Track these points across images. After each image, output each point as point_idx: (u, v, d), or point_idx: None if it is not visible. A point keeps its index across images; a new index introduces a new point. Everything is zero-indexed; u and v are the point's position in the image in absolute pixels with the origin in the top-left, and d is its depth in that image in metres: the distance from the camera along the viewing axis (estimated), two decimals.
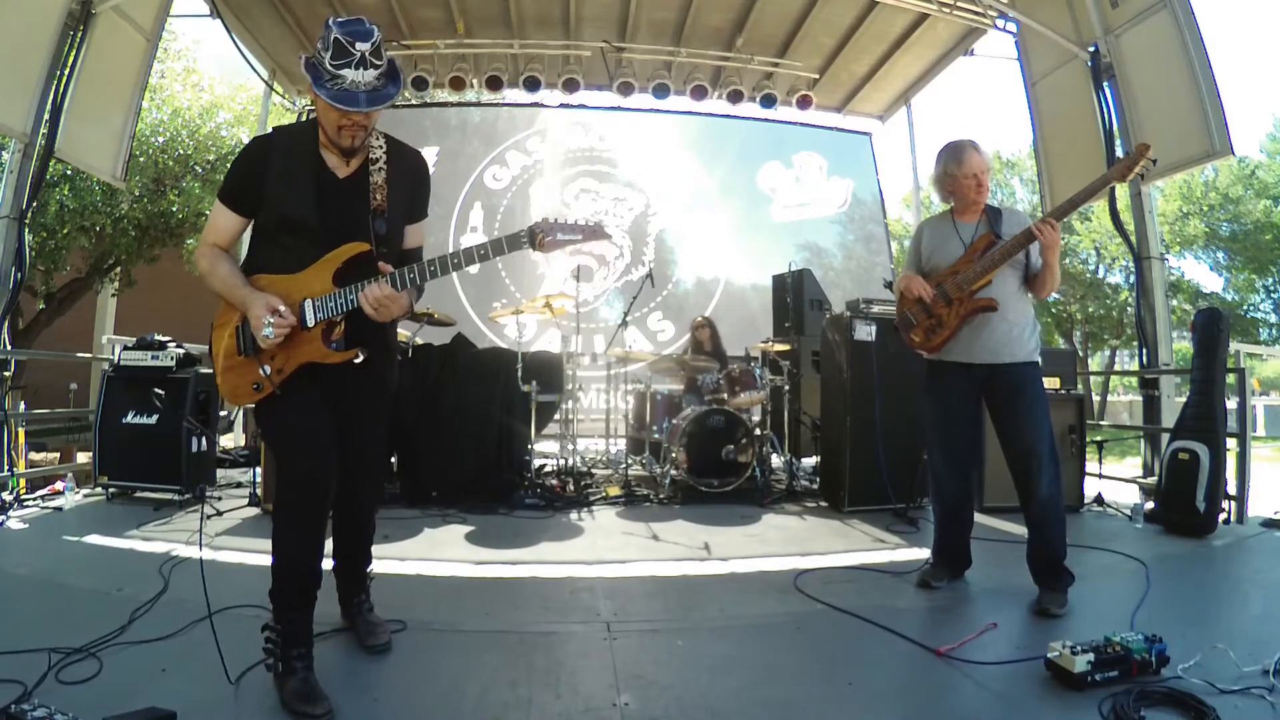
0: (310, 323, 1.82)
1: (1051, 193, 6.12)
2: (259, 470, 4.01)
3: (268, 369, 1.80)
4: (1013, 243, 2.62)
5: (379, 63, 1.70)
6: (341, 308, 1.83)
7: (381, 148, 1.91)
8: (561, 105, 8.79)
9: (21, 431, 5.11)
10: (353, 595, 2.26)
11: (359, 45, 1.67)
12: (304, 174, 1.84)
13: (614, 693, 1.91)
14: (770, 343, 5.39)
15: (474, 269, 8.34)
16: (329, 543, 2.14)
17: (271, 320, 1.74)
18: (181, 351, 4.37)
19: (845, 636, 2.36)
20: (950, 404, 2.81)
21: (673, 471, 4.72)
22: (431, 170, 2.12)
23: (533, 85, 7.53)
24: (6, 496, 4.06)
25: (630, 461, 5.31)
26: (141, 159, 8.84)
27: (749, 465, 4.69)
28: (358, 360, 1.87)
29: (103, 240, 9.28)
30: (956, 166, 2.76)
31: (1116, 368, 22.85)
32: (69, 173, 8.20)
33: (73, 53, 4.72)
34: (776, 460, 5.38)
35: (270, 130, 2.03)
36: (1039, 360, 2.75)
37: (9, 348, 4.67)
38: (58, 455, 8.12)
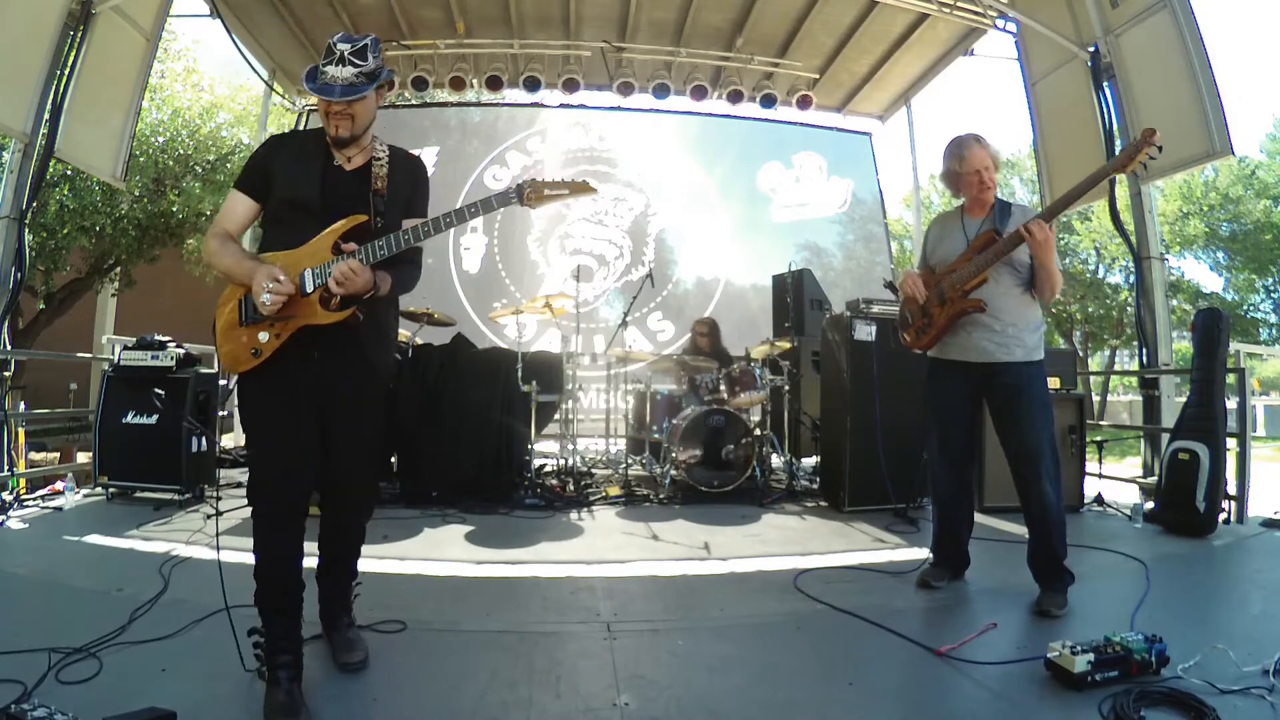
0: (309, 288, 1.90)
1: (1051, 193, 6.11)
2: None
3: (265, 335, 1.90)
4: (1004, 243, 2.60)
5: (360, 63, 1.90)
6: None
7: (385, 152, 2.09)
8: (561, 105, 8.79)
9: (21, 431, 5.10)
10: (335, 612, 2.16)
11: (340, 46, 1.90)
12: (312, 163, 2.01)
13: (614, 693, 1.91)
14: (770, 343, 5.38)
15: (474, 269, 8.39)
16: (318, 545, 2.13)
17: (270, 286, 1.84)
18: (181, 351, 4.37)
19: (845, 636, 2.36)
20: (947, 403, 2.81)
21: (673, 471, 4.72)
22: (431, 171, 2.24)
23: (533, 85, 7.54)
24: (6, 496, 4.05)
25: (630, 461, 5.31)
26: (141, 159, 8.83)
27: (749, 465, 4.69)
28: (357, 320, 1.94)
29: (103, 240, 9.27)
30: (958, 163, 2.74)
31: (1116, 368, 22.85)
32: (69, 173, 8.19)
33: (73, 53, 4.71)
34: (776, 460, 5.37)
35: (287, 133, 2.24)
36: (1041, 360, 2.71)
37: (9, 348, 4.66)
38: (58, 455, 8.10)
